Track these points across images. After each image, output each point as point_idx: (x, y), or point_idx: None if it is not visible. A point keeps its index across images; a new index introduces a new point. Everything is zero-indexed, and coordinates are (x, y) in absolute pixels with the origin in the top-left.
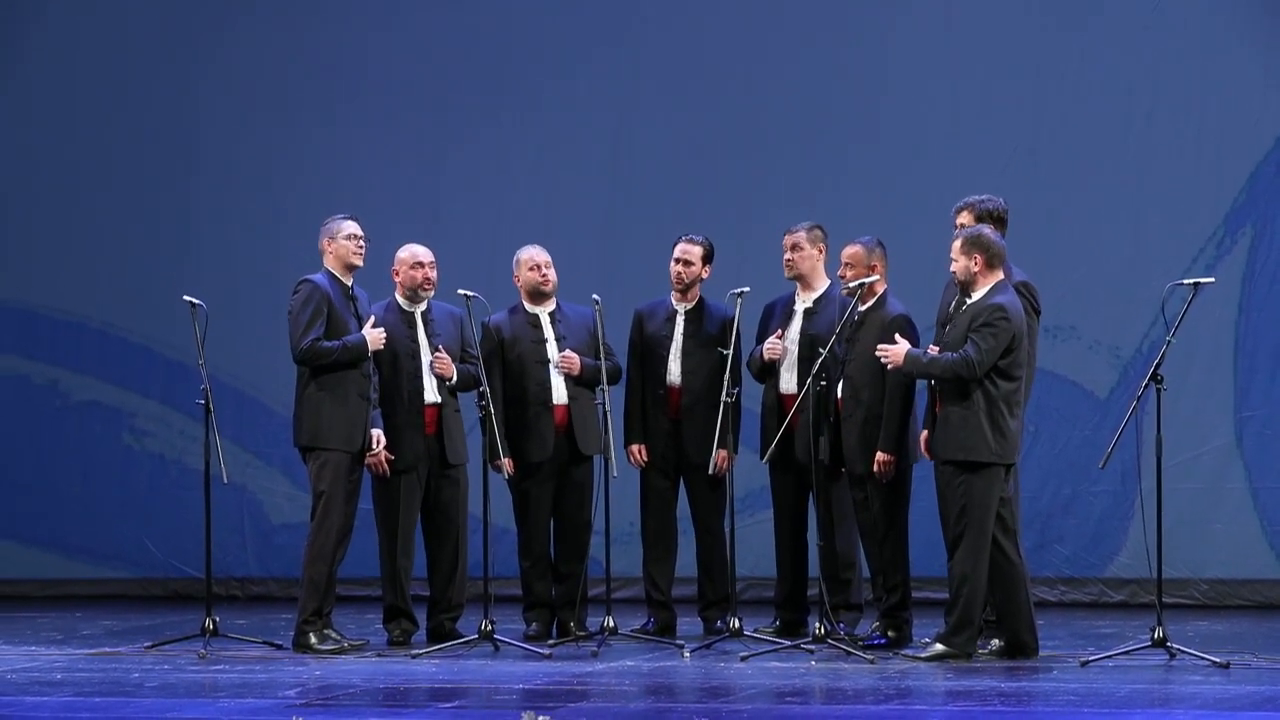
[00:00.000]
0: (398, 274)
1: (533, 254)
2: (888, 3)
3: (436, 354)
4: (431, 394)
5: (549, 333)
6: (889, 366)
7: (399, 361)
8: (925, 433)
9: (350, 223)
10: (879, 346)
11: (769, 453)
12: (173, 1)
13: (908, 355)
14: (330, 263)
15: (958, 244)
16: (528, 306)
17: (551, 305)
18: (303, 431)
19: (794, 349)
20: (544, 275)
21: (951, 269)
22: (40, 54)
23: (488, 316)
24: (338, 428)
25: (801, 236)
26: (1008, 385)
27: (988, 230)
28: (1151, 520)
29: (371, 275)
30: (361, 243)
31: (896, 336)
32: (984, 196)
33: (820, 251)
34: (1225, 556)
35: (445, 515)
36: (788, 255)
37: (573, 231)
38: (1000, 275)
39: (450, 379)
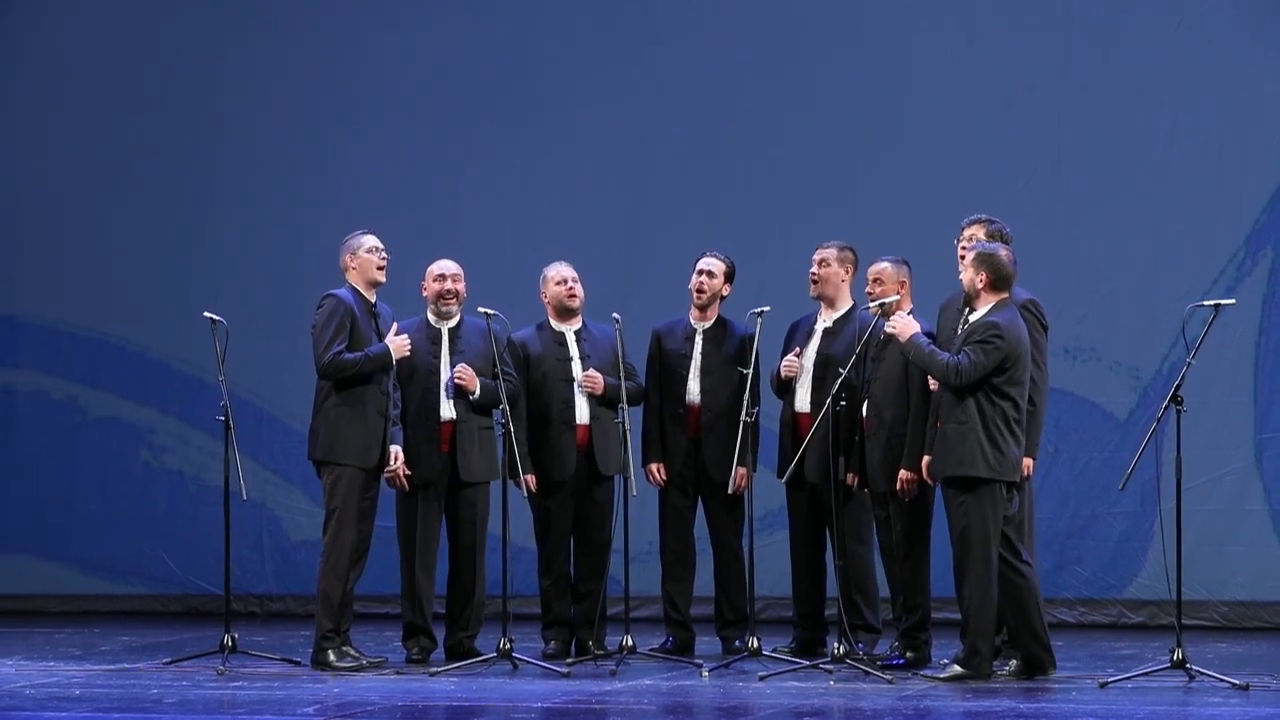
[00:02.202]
0: (425, 288)
1: (560, 269)
2: (910, 20)
3: (458, 366)
4: (447, 411)
5: (574, 351)
6: (887, 329)
7: (417, 377)
8: (928, 458)
9: (370, 237)
10: (895, 314)
11: (788, 472)
12: (192, 17)
13: (914, 336)
14: (353, 278)
15: (970, 256)
16: (554, 324)
17: (578, 324)
18: (318, 446)
19: (809, 369)
20: (571, 290)
21: (960, 276)
22: (60, 71)
23: (510, 333)
24: (353, 443)
25: (831, 254)
26: (1004, 403)
27: (1004, 252)
28: (1171, 542)
29: (390, 290)
30: (384, 256)
31: (913, 318)
32: (995, 218)
33: (848, 272)
34: (1245, 578)
35: (462, 532)
36: (814, 270)
37: (593, 248)
38: (1004, 296)
39: (472, 393)
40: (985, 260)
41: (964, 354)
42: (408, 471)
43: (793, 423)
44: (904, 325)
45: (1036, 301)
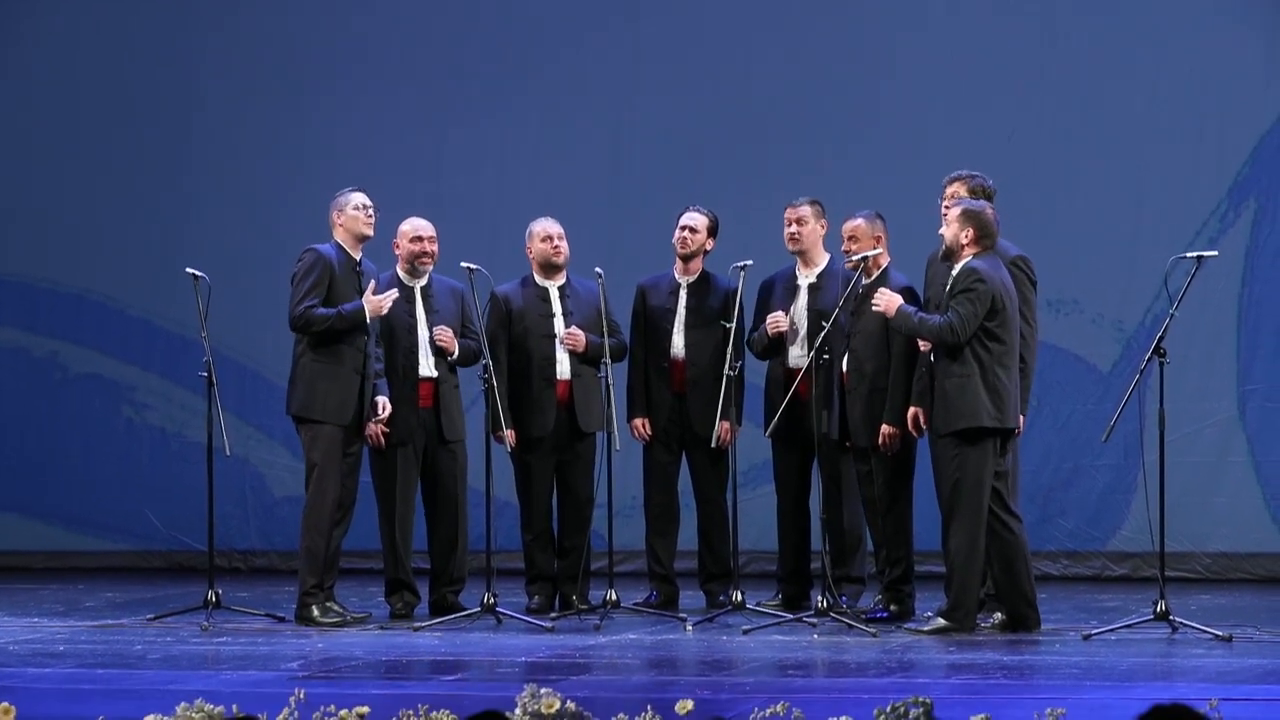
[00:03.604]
0: (398, 247)
1: (546, 225)
2: None
3: (438, 328)
4: (427, 369)
5: (557, 308)
6: (875, 307)
7: (395, 336)
8: (914, 410)
9: (358, 194)
10: (877, 291)
11: (770, 427)
12: None
13: (900, 309)
14: (340, 235)
15: (956, 211)
16: (538, 279)
17: (562, 279)
18: (294, 401)
19: (802, 325)
20: (556, 247)
21: (941, 232)
22: (40, 29)
23: (492, 286)
24: (330, 400)
25: (806, 211)
26: (998, 346)
27: (990, 210)
28: (1154, 494)
29: (368, 248)
30: (371, 212)
31: (891, 272)
32: (976, 172)
33: (824, 227)
34: (1228, 530)
35: (444, 489)
36: (793, 229)
37: (575, 205)
38: (982, 250)
39: (452, 354)
40: (972, 216)
41: (952, 310)
42: (386, 430)
43: (785, 380)
44: (888, 302)
45: (1026, 258)
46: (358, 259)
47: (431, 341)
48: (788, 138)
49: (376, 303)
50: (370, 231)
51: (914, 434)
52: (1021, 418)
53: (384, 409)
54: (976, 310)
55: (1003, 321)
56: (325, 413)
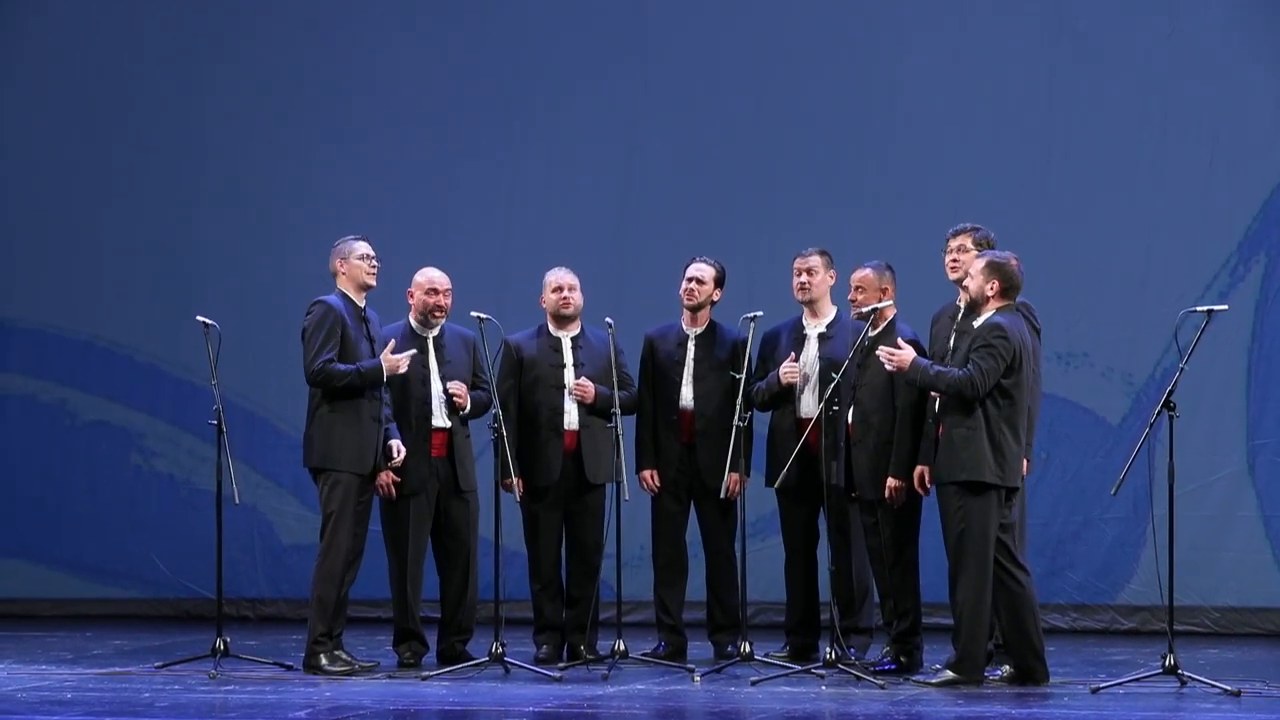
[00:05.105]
0: (412, 296)
1: (558, 276)
2: (901, 22)
3: (453, 383)
4: (440, 419)
5: (569, 358)
6: (889, 367)
7: (409, 387)
8: (920, 469)
9: (362, 243)
10: (881, 348)
11: (781, 478)
12: (180, 20)
13: (914, 362)
14: (343, 284)
15: (981, 263)
16: (551, 329)
17: (575, 330)
18: (313, 453)
19: (814, 375)
20: (565, 298)
21: (965, 283)
22: (47, 75)
23: (502, 337)
24: (348, 450)
25: (816, 261)
26: (1006, 402)
27: (1015, 262)
28: (1163, 547)
29: (377, 294)
30: (374, 262)
31: (900, 341)
32: (979, 225)
33: (833, 278)
34: (1237, 584)
35: (456, 538)
36: (802, 279)
37: (582, 252)
38: (1009, 303)
39: (464, 409)
40: (997, 269)
41: (972, 364)
42: (397, 479)
43: (796, 430)
44: (900, 358)
45: (1028, 304)
46: (363, 306)
47: (445, 395)
48: (796, 185)
49: (394, 362)
50: (373, 282)
51: (920, 492)
52: (1026, 462)
53: (398, 452)
54: (998, 366)
55: (1017, 381)
56: (345, 462)
